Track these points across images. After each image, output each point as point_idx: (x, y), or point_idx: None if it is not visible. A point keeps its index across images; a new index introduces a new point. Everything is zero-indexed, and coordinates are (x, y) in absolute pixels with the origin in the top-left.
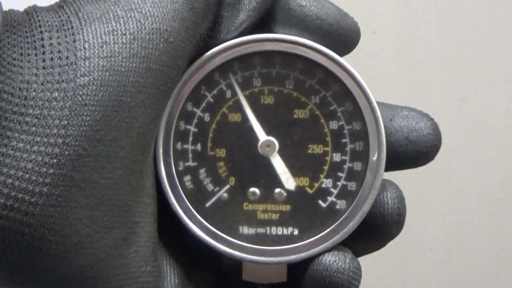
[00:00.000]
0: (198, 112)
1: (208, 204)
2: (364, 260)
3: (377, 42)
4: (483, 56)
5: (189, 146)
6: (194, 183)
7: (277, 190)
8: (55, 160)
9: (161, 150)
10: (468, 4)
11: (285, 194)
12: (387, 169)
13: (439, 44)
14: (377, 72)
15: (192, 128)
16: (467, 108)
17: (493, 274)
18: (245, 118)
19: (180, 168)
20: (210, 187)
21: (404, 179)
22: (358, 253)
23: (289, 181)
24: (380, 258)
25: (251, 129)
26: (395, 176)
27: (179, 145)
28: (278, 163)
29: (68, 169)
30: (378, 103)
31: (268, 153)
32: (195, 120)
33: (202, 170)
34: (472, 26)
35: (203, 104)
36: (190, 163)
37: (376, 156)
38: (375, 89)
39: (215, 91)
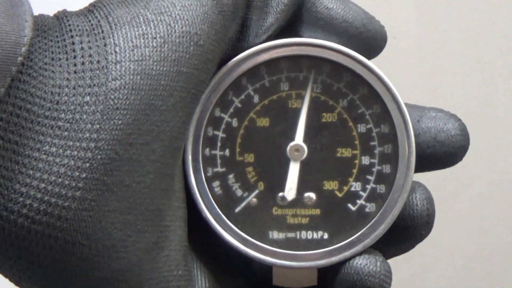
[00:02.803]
0: (226, 117)
1: (237, 210)
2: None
3: (398, 47)
4: (504, 61)
5: (218, 152)
6: (223, 189)
7: (306, 194)
8: (87, 164)
9: (190, 156)
10: (489, 9)
11: (314, 198)
12: (416, 170)
13: (460, 49)
14: (397, 77)
15: (220, 134)
16: (488, 112)
17: None
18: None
19: (209, 174)
20: (239, 192)
21: (425, 184)
22: (387, 255)
23: (290, 191)
24: (401, 263)
25: (283, 132)
26: (416, 180)
27: (207, 151)
28: (293, 170)
29: (100, 173)
30: (405, 104)
31: (296, 157)
32: (223, 126)
33: (231, 176)
34: (493, 31)
35: (231, 110)
36: (219, 169)
37: (405, 158)
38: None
39: (242, 96)
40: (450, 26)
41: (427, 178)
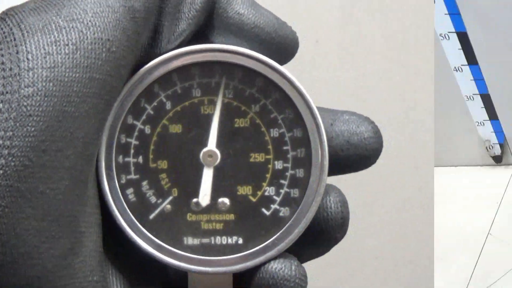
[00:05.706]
0: (139, 124)
1: (152, 216)
2: (310, 269)
3: (321, 51)
4: (425, 66)
5: (131, 159)
6: (137, 196)
7: (220, 199)
8: (0, 171)
9: (103, 164)
10: (411, 13)
11: (228, 203)
12: (330, 173)
13: (382, 52)
14: (321, 80)
15: (133, 141)
16: (411, 116)
17: None
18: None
19: (122, 181)
20: (153, 199)
21: (350, 187)
22: (303, 259)
23: (205, 197)
24: (325, 268)
25: (196, 138)
26: (333, 181)
27: (120, 158)
28: (207, 176)
29: (14, 179)
30: (318, 108)
31: (209, 163)
32: (136, 133)
33: (144, 183)
34: (416, 34)
35: (144, 117)
36: (132, 176)
37: (318, 162)
38: (319, 97)
39: (155, 103)
40: (373, 29)
41: (351, 180)
